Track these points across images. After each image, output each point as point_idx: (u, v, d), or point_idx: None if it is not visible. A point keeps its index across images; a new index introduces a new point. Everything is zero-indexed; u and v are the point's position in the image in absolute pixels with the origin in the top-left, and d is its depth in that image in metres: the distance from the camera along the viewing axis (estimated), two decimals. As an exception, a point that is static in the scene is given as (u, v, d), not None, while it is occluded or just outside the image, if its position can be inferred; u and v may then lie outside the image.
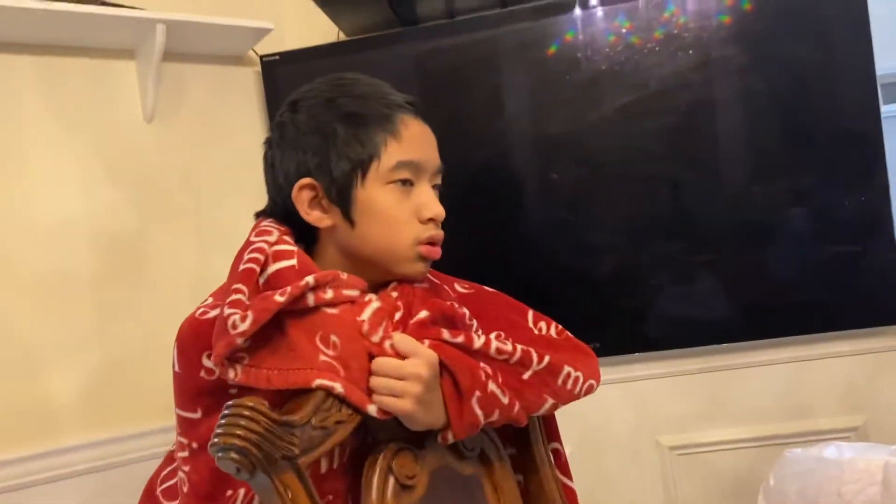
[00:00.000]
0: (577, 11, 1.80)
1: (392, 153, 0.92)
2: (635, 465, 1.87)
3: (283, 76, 1.88)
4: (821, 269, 1.76)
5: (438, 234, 0.96)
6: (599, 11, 1.79)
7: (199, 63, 1.86)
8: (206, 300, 0.92)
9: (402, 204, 0.94)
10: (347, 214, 0.93)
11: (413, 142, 0.94)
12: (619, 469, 1.87)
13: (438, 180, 0.99)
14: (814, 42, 1.75)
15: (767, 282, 1.78)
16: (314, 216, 0.94)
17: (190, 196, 1.82)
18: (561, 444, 1.13)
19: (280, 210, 0.97)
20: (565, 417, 1.79)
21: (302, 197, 0.94)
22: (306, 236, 0.97)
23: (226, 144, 1.88)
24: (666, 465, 1.86)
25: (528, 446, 1.06)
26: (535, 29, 1.82)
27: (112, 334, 1.69)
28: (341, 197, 0.93)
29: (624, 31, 1.79)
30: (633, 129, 1.80)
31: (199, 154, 1.85)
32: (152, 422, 1.65)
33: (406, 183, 0.94)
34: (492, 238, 1.86)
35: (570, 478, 1.12)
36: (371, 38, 1.90)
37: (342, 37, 1.97)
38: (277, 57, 1.87)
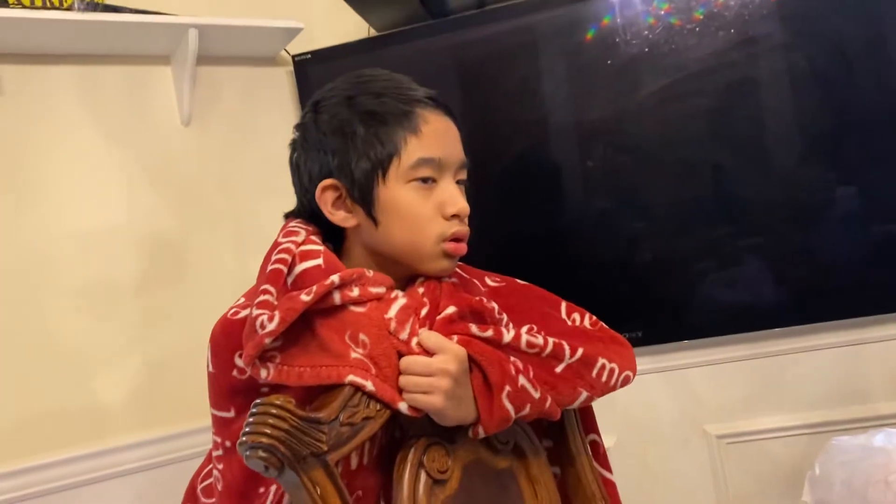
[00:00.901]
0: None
1: (412, 150, 0.91)
2: (682, 454, 1.84)
3: (315, 75, 1.88)
4: (871, 249, 1.70)
5: (463, 229, 0.95)
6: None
7: (232, 65, 1.89)
8: (239, 300, 0.93)
9: (424, 201, 0.92)
10: (370, 214, 0.93)
11: (434, 138, 0.92)
12: (665, 460, 1.84)
13: (463, 175, 0.98)
14: (860, 18, 1.69)
15: (816, 264, 1.73)
16: (339, 216, 0.94)
17: (228, 198, 1.85)
18: (599, 436, 1.11)
19: (307, 211, 0.97)
20: (608, 409, 1.77)
21: (326, 198, 0.94)
22: (334, 236, 0.97)
23: (261, 145, 1.90)
24: (714, 454, 1.82)
25: (564, 438, 1.05)
26: (571, 15, 1.79)
27: (156, 337, 1.72)
28: (363, 196, 0.92)
29: (662, 12, 1.75)
30: (675, 112, 1.76)
31: (236, 156, 1.87)
32: (197, 421, 1.68)
33: (428, 180, 0.93)
34: (530, 228, 1.84)
35: (609, 470, 1.10)
36: (401, 33, 1.89)
37: (372, 32, 1.97)
38: (309, 56, 1.88)
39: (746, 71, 1.73)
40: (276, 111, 1.93)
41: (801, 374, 1.78)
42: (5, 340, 1.57)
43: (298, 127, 0.98)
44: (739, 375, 1.81)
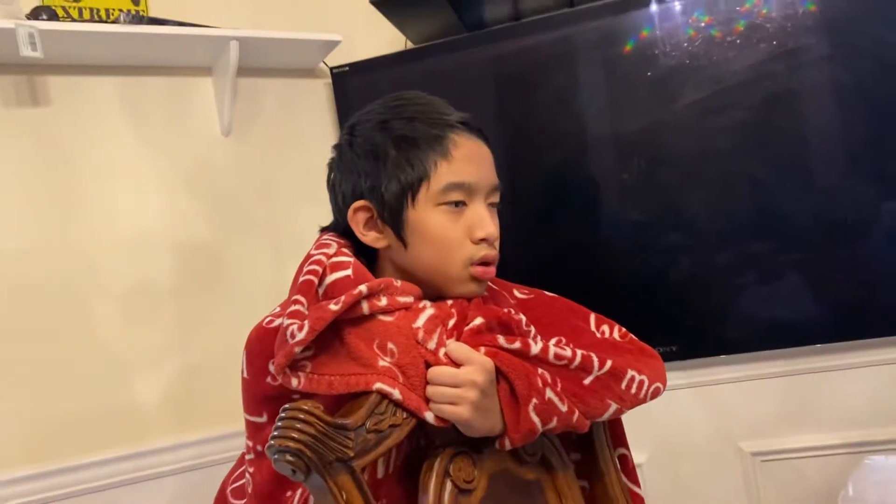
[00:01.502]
0: (654, 7, 1.76)
1: (442, 174, 0.92)
2: (716, 471, 1.81)
3: (352, 86, 1.91)
4: (913, 267, 1.66)
5: (491, 253, 0.95)
6: (677, 5, 1.75)
7: (272, 77, 1.92)
8: (275, 310, 0.95)
9: (453, 225, 0.93)
10: (400, 236, 0.94)
11: (464, 162, 0.93)
12: (698, 476, 1.82)
13: (495, 198, 0.98)
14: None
15: (856, 280, 1.70)
16: (370, 237, 0.96)
17: (265, 207, 1.88)
18: (628, 450, 1.10)
19: (341, 228, 1.00)
20: (640, 424, 1.76)
21: (357, 218, 0.96)
22: (367, 252, 0.99)
23: (299, 155, 1.93)
24: (749, 471, 1.79)
25: (592, 452, 1.05)
26: (609, 27, 1.78)
27: (193, 341, 1.75)
28: (393, 219, 0.94)
29: (703, 24, 1.74)
30: (715, 124, 1.74)
31: (274, 166, 1.90)
32: (233, 425, 1.70)
33: (458, 203, 0.94)
34: (567, 240, 1.84)
35: (637, 484, 1.10)
36: (438, 45, 1.91)
37: (409, 45, 1.99)
38: (347, 68, 1.90)
39: (788, 83, 1.70)
40: (314, 122, 1.96)
41: (839, 392, 1.75)
42: (49, 342, 1.61)
43: (335, 148, 1.01)
44: (775, 392, 1.78)
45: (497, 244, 0.97)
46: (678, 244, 1.79)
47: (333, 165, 1.01)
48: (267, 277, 1.84)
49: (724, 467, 1.81)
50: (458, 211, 0.94)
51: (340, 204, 0.98)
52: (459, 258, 0.94)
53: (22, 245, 1.61)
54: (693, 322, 1.78)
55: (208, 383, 1.75)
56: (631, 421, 1.73)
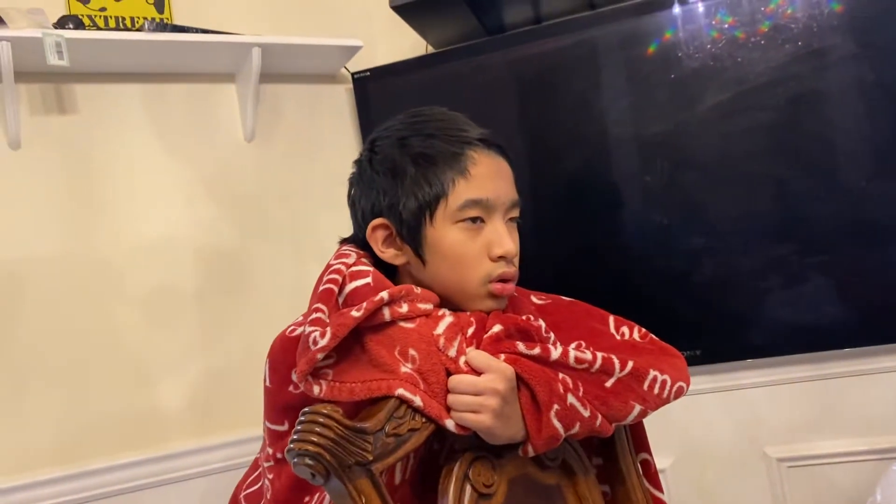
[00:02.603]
0: (677, 8, 1.75)
1: (460, 192, 0.93)
2: (741, 477, 1.79)
3: (374, 91, 1.92)
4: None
5: (510, 270, 0.95)
6: (700, 7, 1.73)
7: (294, 83, 1.94)
8: (297, 318, 0.96)
9: (471, 242, 0.94)
10: (418, 253, 0.95)
11: (482, 179, 0.94)
12: (722, 482, 1.80)
13: (515, 213, 0.99)
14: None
15: (884, 283, 1.67)
16: (389, 254, 0.97)
17: (287, 212, 1.89)
18: (651, 455, 1.10)
19: (361, 241, 1.01)
20: (664, 429, 1.75)
21: (376, 236, 0.97)
22: (386, 266, 0.99)
23: (321, 160, 1.94)
24: (775, 477, 1.77)
25: (614, 457, 1.04)
26: (632, 29, 1.77)
27: (216, 345, 1.77)
28: (412, 236, 0.95)
29: (726, 25, 1.73)
30: (740, 126, 1.72)
31: (296, 170, 1.91)
32: (255, 429, 1.69)
33: (476, 220, 0.94)
34: (589, 243, 1.83)
35: (660, 489, 1.09)
36: (459, 49, 1.91)
37: (430, 49, 1.99)
38: (368, 73, 1.91)
39: (814, 84, 1.68)
40: (336, 127, 1.97)
41: (866, 396, 1.72)
42: (75, 347, 1.63)
43: (356, 163, 1.02)
44: (801, 397, 1.76)
45: (517, 261, 0.97)
46: (702, 247, 1.77)
47: (354, 181, 1.02)
48: (289, 282, 1.86)
49: (750, 473, 1.79)
50: (476, 228, 0.94)
51: (360, 220, 0.99)
52: (477, 275, 0.94)
53: (48, 251, 1.63)
54: (717, 326, 1.76)
55: (231, 387, 1.76)
56: (654, 426, 1.71)
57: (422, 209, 0.93)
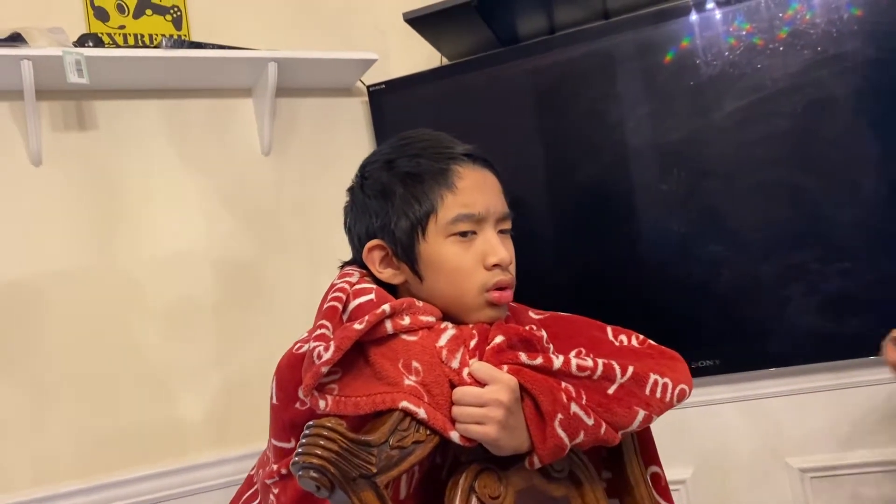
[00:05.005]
0: (693, 16, 1.74)
1: (449, 207, 0.95)
2: (763, 488, 1.76)
3: (389, 104, 1.93)
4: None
5: (505, 278, 0.97)
6: (717, 14, 1.73)
7: (310, 97, 1.96)
8: (303, 336, 0.96)
9: (465, 254, 0.96)
10: (415, 270, 0.97)
11: (469, 192, 0.96)
12: (744, 493, 1.77)
13: (506, 225, 1.00)
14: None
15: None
16: (386, 274, 0.99)
17: (303, 224, 1.90)
18: (661, 468, 1.09)
19: (361, 266, 1.03)
20: (684, 439, 1.73)
21: (372, 257, 0.99)
22: (388, 286, 1.00)
23: (337, 173, 1.92)
24: (797, 488, 1.74)
25: (622, 468, 1.03)
26: (647, 38, 1.77)
27: (233, 357, 1.78)
28: (407, 254, 0.97)
29: (744, 32, 1.71)
30: (759, 133, 1.70)
31: (313, 184, 1.93)
32: (273, 441, 1.73)
33: (468, 234, 0.96)
34: (606, 253, 1.82)
35: (670, 501, 1.08)
36: (473, 61, 1.91)
37: (444, 61, 2.00)
38: (383, 86, 1.93)
39: (833, 90, 1.66)
40: (352, 140, 1.99)
41: (891, 406, 1.69)
42: (94, 358, 1.66)
43: (349, 191, 1.05)
44: (824, 406, 1.73)
45: (512, 268, 0.98)
46: (720, 255, 1.75)
47: (348, 209, 1.05)
48: (305, 295, 1.87)
49: (772, 484, 1.76)
50: (468, 240, 0.96)
51: (357, 244, 1.02)
52: (474, 286, 0.96)
53: (69, 265, 1.66)
54: (737, 334, 1.74)
55: (249, 398, 1.77)
56: (673, 436, 1.69)
57: (413, 226, 0.95)
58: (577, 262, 1.83)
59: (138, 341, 1.70)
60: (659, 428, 1.72)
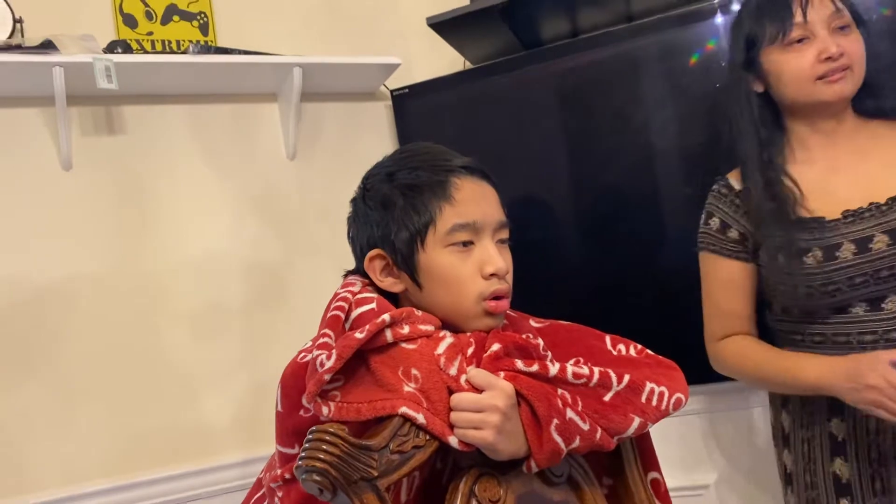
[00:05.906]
0: (719, 18, 1.72)
1: (447, 217, 0.97)
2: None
3: (412, 108, 1.94)
4: None
5: (502, 287, 0.99)
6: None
7: (334, 101, 1.98)
8: (306, 345, 1.01)
9: (463, 263, 0.98)
10: (414, 279, 0.99)
11: (467, 203, 0.98)
12: (769, 498, 1.74)
13: (504, 234, 1.03)
14: None
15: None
16: (387, 283, 1.02)
17: (328, 228, 1.92)
18: (660, 474, 1.11)
19: (363, 276, 1.06)
20: (707, 444, 1.71)
21: (373, 266, 1.02)
22: (388, 296, 1.03)
23: (361, 176, 1.96)
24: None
25: (621, 474, 1.05)
26: (671, 40, 1.75)
27: (259, 359, 1.81)
28: (406, 263, 0.99)
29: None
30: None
31: (337, 187, 1.94)
32: (295, 442, 1.74)
33: (466, 244, 0.98)
34: (631, 257, 1.80)
35: (670, 507, 1.08)
36: (496, 64, 1.92)
37: (468, 65, 2.01)
38: (407, 90, 1.94)
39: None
40: (376, 144, 2.01)
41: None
42: (123, 361, 1.70)
43: (352, 202, 1.08)
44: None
45: (509, 278, 1.01)
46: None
47: (351, 220, 1.08)
48: (328, 295, 1.87)
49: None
50: (466, 250, 0.98)
51: (359, 254, 1.05)
52: (472, 294, 0.98)
53: (99, 268, 1.70)
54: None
55: (274, 400, 1.79)
56: (698, 441, 1.67)
57: (413, 237, 0.98)
58: (602, 265, 1.82)
59: (165, 343, 1.74)
60: (680, 433, 1.71)
